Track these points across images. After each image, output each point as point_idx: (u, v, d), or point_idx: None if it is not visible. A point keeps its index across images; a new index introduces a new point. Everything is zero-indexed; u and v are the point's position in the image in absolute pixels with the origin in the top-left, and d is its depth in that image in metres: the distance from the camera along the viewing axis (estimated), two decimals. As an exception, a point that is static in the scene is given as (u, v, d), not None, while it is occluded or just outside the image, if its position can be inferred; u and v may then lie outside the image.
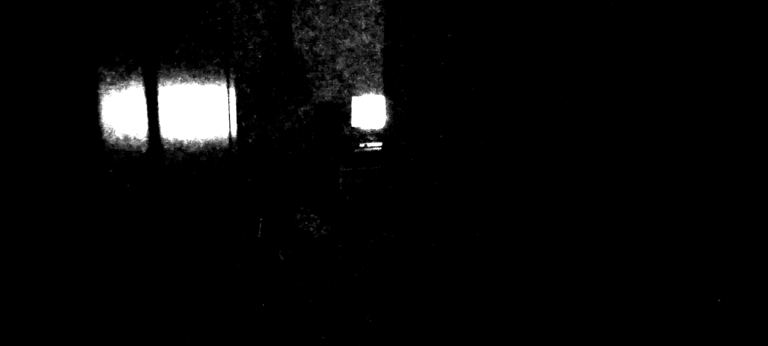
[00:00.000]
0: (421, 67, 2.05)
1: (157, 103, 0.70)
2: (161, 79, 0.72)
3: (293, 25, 4.20)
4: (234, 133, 1.49)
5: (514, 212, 1.39)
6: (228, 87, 1.43)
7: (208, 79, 1.17)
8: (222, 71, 1.33)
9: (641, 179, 0.91)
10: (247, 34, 4.01)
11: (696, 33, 0.75)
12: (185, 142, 0.89)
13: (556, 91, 1.16)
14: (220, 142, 1.31)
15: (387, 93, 2.54)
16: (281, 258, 3.57)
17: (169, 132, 0.77)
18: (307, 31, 4.26)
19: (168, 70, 0.76)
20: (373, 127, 4.36)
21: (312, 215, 4.21)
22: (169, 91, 0.77)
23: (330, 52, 4.38)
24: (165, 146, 0.73)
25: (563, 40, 1.13)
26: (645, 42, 0.85)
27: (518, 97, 1.29)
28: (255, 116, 4.10)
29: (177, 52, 0.82)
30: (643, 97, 0.87)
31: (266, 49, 4.09)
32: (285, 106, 4.25)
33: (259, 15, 4.00)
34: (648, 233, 0.90)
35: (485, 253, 1.60)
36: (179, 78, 0.85)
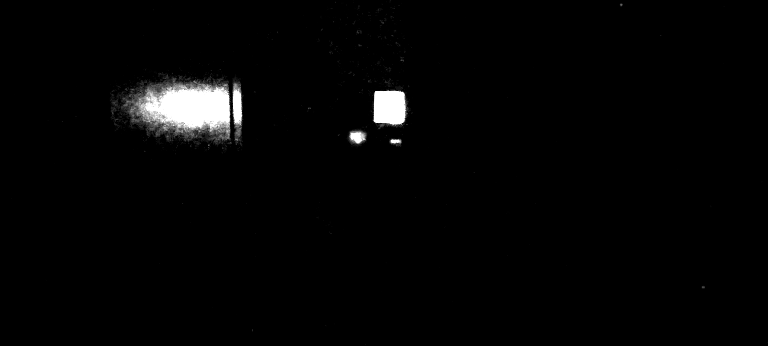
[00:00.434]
0: (445, 62, 1.95)
1: (107, 92, 0.61)
2: (118, 65, 0.63)
3: (314, 16, 4.13)
4: (238, 129, 1.41)
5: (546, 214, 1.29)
6: (230, 82, 1.35)
7: (204, 72, 1.09)
8: (222, 63, 1.25)
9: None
10: (260, 20, 3.96)
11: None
12: (163, 135, 0.80)
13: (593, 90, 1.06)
14: (219, 136, 1.24)
15: (410, 89, 2.46)
16: (299, 256, 3.51)
17: (136, 124, 0.69)
18: (329, 22, 4.18)
19: (130, 55, 0.67)
20: (397, 123, 4.25)
21: (331, 214, 4.13)
22: (138, 80, 0.69)
23: (353, 44, 4.29)
24: (120, 136, 0.64)
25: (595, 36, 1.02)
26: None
27: (548, 94, 1.19)
28: (272, 111, 4.05)
29: (154, 37, 0.74)
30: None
31: (284, 38, 4.03)
32: (304, 99, 4.18)
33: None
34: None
35: (509, 261, 1.50)
36: (158, 67, 0.77)
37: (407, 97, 2.47)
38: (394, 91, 4.19)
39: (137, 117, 0.59)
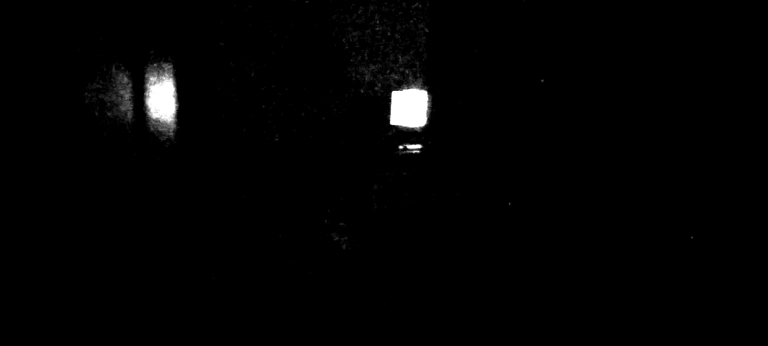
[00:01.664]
0: (478, 58, 1.65)
1: None
2: None
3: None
4: (169, 127, 0.97)
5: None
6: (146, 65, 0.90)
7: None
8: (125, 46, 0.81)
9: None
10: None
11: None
12: None
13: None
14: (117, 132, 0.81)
15: (432, 89, 2.17)
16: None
17: None
18: (339, 12, 3.75)
19: None
20: (416, 127, 3.80)
21: (341, 226, 3.72)
22: None
23: (367, 37, 3.85)
24: None
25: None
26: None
27: (583, 96, 0.95)
28: (272, 108, 3.63)
29: None
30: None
31: (287, 27, 3.60)
32: (306, 96, 3.75)
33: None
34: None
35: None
36: None
37: (431, 98, 2.11)
38: (415, 90, 3.74)
39: None
